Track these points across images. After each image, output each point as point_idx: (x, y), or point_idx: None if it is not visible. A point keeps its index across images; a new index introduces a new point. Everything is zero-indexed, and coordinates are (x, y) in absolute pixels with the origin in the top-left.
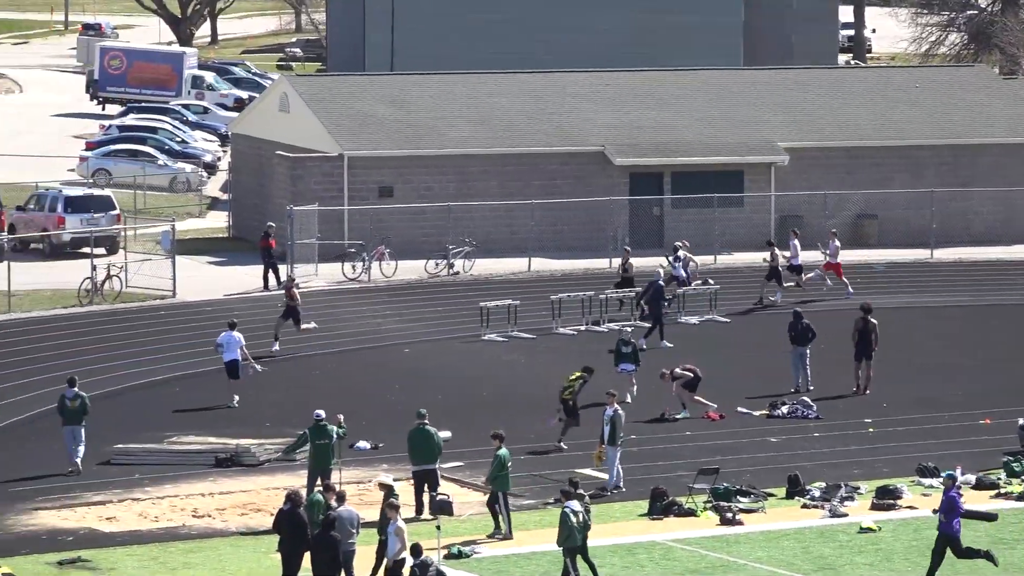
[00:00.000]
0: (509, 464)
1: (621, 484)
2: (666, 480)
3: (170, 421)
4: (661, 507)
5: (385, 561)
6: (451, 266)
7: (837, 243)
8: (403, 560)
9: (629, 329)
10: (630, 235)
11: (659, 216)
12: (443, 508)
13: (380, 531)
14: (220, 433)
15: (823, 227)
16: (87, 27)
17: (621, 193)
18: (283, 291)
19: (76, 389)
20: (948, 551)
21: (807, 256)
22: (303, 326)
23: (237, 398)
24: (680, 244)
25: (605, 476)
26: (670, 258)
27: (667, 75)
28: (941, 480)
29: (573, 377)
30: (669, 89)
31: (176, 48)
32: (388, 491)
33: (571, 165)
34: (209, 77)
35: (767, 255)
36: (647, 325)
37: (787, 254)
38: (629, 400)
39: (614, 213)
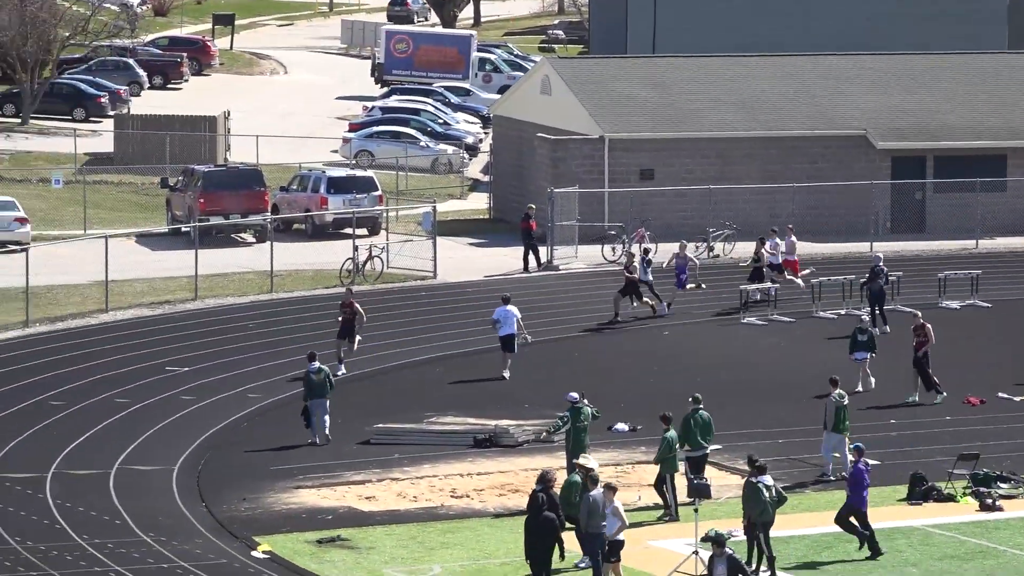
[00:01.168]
0: (677, 446)
1: (829, 473)
2: (925, 465)
3: (430, 401)
4: (920, 493)
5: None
6: (711, 249)
7: (793, 238)
8: (622, 541)
9: (866, 317)
10: (891, 219)
11: (921, 200)
12: (701, 491)
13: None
14: (479, 414)
15: None
16: (394, 3)
17: (883, 177)
18: (340, 306)
19: (318, 363)
20: None
21: None
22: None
23: (508, 372)
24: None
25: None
26: (641, 258)
27: (929, 59)
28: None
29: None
30: (931, 73)
31: (463, 31)
32: (587, 472)
33: (832, 148)
34: (495, 59)
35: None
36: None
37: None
38: (860, 389)
39: (875, 197)
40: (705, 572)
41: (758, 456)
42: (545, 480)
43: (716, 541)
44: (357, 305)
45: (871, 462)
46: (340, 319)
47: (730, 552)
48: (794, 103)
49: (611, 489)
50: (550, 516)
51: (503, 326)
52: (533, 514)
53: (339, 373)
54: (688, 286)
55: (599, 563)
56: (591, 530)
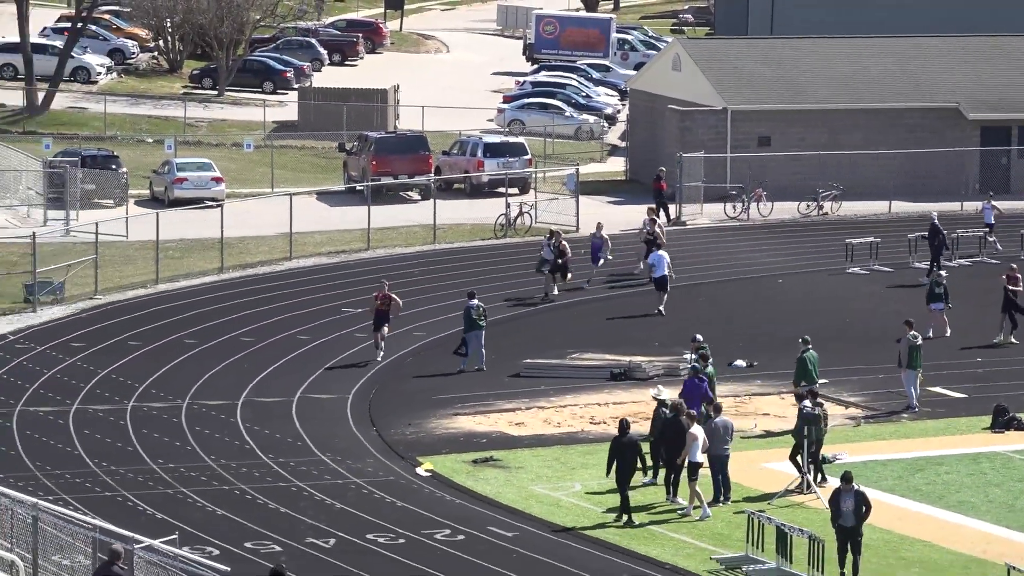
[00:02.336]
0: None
1: (916, 405)
2: (1008, 398)
3: (573, 339)
4: (1003, 422)
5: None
6: (820, 207)
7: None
8: (700, 462)
9: (943, 272)
10: (980, 181)
11: (1006, 164)
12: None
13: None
14: (616, 351)
15: None
16: None
17: (973, 144)
18: (375, 298)
19: (476, 301)
20: None
21: None
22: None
23: (663, 308)
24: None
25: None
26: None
27: (1014, 39)
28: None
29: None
30: (1016, 52)
31: (603, 15)
32: (661, 403)
33: (928, 119)
34: (632, 39)
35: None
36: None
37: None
38: (931, 335)
39: (966, 162)
40: (811, 490)
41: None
42: (678, 408)
43: (844, 478)
44: (395, 296)
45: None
46: (374, 310)
47: (856, 487)
48: (894, 78)
49: (691, 417)
50: (633, 439)
51: (657, 269)
52: (619, 436)
53: (378, 358)
54: (601, 262)
55: (719, 480)
56: (715, 452)
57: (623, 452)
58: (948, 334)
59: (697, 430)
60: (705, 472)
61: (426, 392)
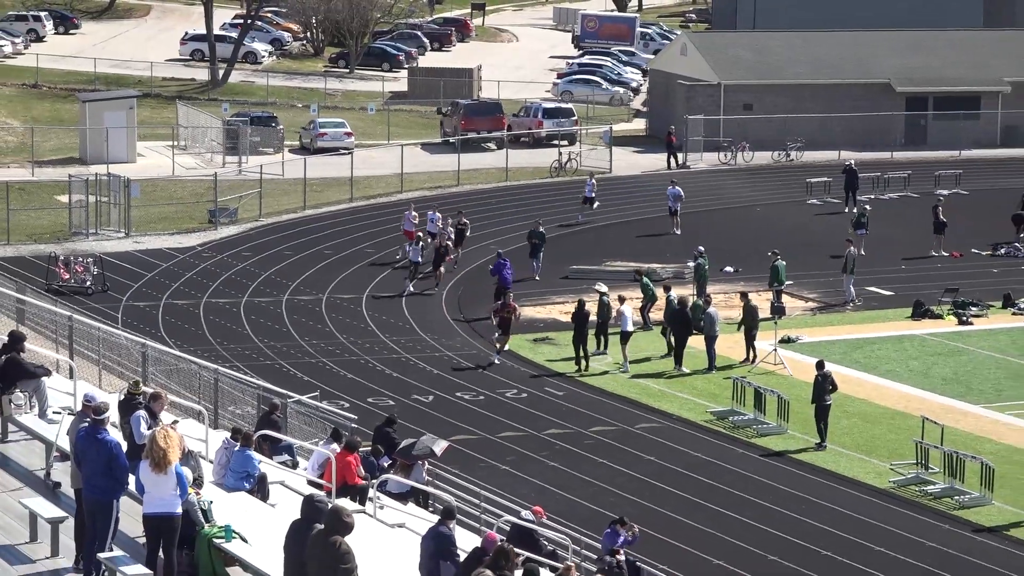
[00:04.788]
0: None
1: (855, 300)
2: (923, 295)
3: (607, 252)
4: (920, 312)
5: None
6: (788, 156)
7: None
8: (630, 331)
9: (868, 207)
10: (905, 137)
11: (924, 125)
12: (779, 311)
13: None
14: (637, 259)
15: None
16: None
17: (900, 110)
18: (497, 307)
19: (542, 228)
20: None
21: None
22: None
23: (679, 230)
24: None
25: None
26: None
27: (931, 33)
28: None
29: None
30: (933, 41)
31: (631, 14)
32: (602, 295)
33: (868, 91)
34: (651, 32)
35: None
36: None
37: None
38: (863, 252)
39: (895, 123)
40: (780, 363)
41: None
42: (682, 300)
43: (819, 366)
44: (516, 306)
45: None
46: (498, 317)
47: (827, 371)
48: (844, 61)
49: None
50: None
51: (670, 200)
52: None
53: (495, 361)
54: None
55: (712, 354)
56: (708, 334)
57: (582, 321)
58: (863, 253)
59: (626, 308)
60: (700, 348)
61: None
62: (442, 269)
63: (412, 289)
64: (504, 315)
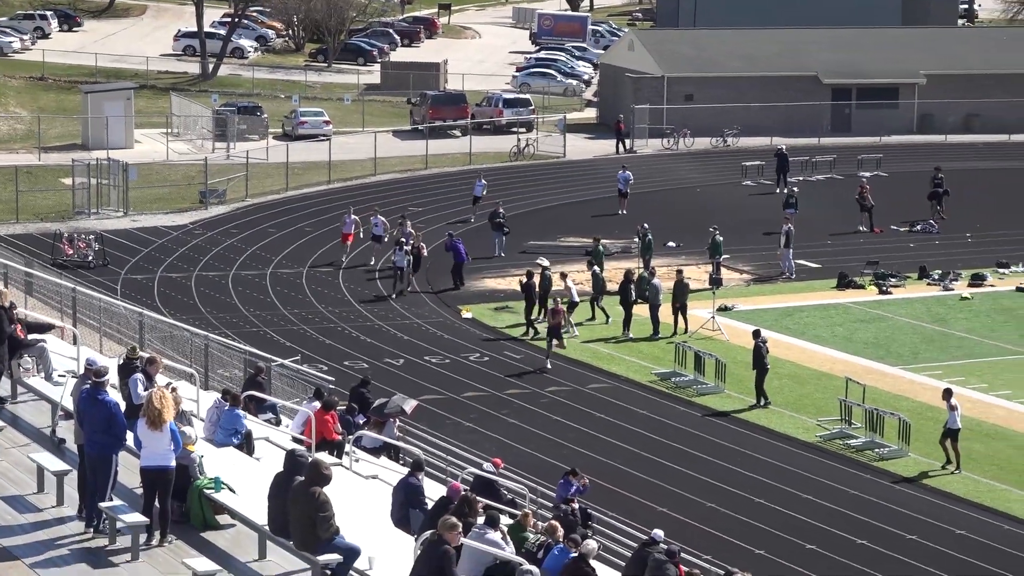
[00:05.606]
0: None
1: (792, 274)
2: (847, 266)
3: (560, 229)
4: (844, 283)
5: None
6: (725, 142)
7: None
8: (577, 302)
9: (796, 188)
10: (831, 124)
11: (848, 114)
12: (717, 283)
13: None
14: (587, 235)
15: (951, 123)
16: None
17: (826, 100)
18: (552, 312)
19: (503, 209)
20: None
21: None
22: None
23: (624, 211)
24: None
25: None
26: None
27: (856, 30)
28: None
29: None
30: (857, 38)
31: (583, 13)
32: (544, 268)
33: (798, 83)
34: (602, 29)
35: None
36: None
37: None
38: (792, 230)
39: (821, 112)
40: (718, 328)
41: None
42: (627, 275)
43: (755, 334)
44: (564, 310)
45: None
46: (551, 323)
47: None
48: (776, 55)
49: (562, 276)
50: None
51: (620, 183)
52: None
53: (548, 367)
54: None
55: (655, 320)
56: (652, 303)
57: (529, 292)
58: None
59: (570, 283)
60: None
61: (465, 264)
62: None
63: (408, 290)
64: (554, 322)
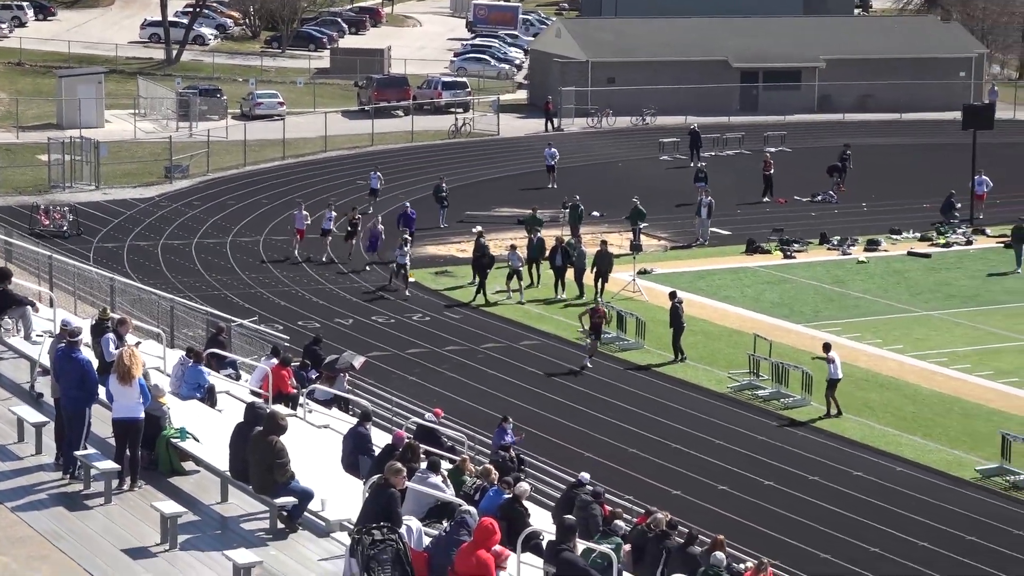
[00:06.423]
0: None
1: (706, 240)
2: (755, 233)
3: (495, 201)
4: (752, 248)
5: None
6: (644, 120)
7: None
8: (519, 268)
9: (705, 164)
10: (740, 104)
11: (755, 95)
12: (637, 248)
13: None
14: (520, 206)
15: (847, 103)
16: None
17: (735, 82)
18: (591, 315)
19: (445, 184)
20: None
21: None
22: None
23: (555, 184)
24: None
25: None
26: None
27: (761, 19)
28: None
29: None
30: (763, 26)
31: (515, 3)
32: (479, 235)
33: (710, 67)
34: (531, 18)
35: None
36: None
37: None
38: (712, 200)
39: (731, 93)
40: (638, 290)
41: None
42: (558, 240)
43: (672, 295)
44: (605, 311)
45: None
46: (591, 321)
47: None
48: (690, 42)
49: (513, 247)
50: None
51: (548, 159)
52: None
53: (588, 365)
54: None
55: (580, 284)
56: (579, 267)
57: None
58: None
59: (518, 252)
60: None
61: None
62: (353, 242)
63: (408, 293)
64: (595, 320)
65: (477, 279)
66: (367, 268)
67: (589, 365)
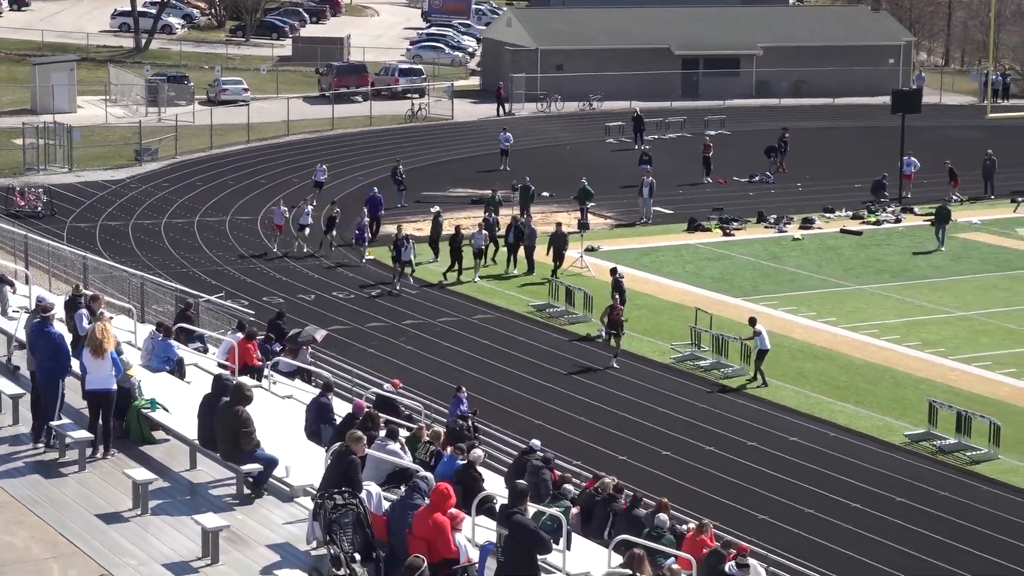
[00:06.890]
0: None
1: (649, 219)
2: (696, 212)
3: (452, 182)
4: (693, 227)
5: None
6: (591, 105)
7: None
8: (483, 248)
9: (649, 148)
10: (682, 89)
11: (696, 81)
12: (584, 227)
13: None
14: (478, 187)
15: (783, 88)
16: None
17: (677, 69)
18: (608, 312)
19: (402, 167)
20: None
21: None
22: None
23: (507, 167)
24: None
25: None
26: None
27: (702, 9)
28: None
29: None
30: (703, 15)
31: None
32: (437, 216)
33: (653, 54)
34: (484, 8)
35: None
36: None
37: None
38: (653, 180)
39: (673, 79)
40: (585, 266)
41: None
42: (513, 219)
43: (613, 271)
44: (622, 309)
45: None
46: (610, 318)
47: (621, 275)
48: (636, 30)
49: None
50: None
51: (502, 142)
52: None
53: (615, 365)
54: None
55: (531, 261)
56: (528, 244)
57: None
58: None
59: (478, 232)
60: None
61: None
62: (335, 232)
63: (412, 285)
64: (614, 316)
65: (452, 260)
66: (363, 262)
67: (615, 366)
